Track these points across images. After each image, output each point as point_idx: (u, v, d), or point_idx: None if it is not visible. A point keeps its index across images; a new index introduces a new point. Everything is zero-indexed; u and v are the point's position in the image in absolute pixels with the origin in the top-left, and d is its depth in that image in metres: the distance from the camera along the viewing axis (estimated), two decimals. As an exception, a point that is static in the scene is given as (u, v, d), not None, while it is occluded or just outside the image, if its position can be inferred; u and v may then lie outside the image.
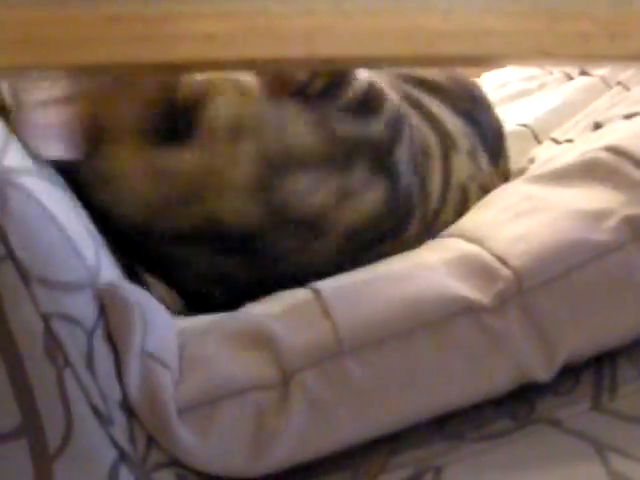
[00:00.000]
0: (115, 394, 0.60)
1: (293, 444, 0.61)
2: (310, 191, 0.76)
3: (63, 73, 0.49)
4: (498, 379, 0.64)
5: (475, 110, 0.97)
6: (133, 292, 0.66)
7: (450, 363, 0.64)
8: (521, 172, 1.01)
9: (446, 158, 0.87)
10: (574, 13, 0.47)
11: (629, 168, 0.72)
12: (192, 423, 0.61)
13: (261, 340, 0.66)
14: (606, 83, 1.19)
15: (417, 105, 0.90)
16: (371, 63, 0.54)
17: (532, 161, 1.05)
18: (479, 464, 0.63)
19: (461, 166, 0.88)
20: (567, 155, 0.86)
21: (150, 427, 0.61)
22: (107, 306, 0.63)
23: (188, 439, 0.60)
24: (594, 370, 0.66)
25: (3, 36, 0.44)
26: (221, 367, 0.65)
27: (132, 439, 0.61)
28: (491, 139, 0.96)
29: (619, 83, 1.16)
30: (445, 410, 0.65)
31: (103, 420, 0.59)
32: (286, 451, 0.61)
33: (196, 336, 0.69)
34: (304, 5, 0.42)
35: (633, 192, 0.69)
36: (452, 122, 0.91)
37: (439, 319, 0.64)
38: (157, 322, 0.66)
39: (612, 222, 0.67)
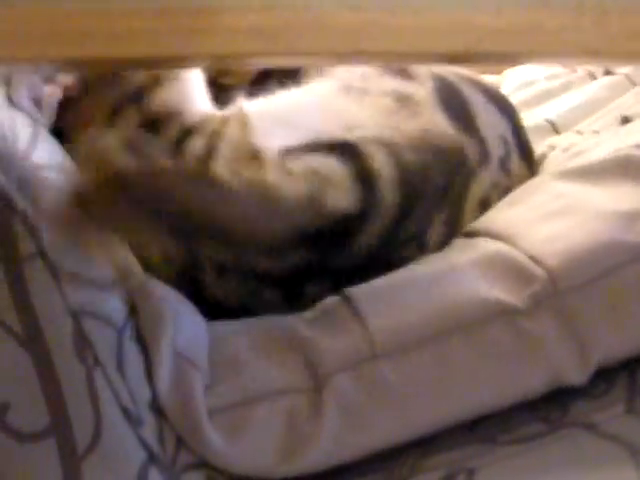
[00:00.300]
0: (145, 395, 0.60)
1: (326, 448, 0.60)
2: None
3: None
4: (532, 383, 0.63)
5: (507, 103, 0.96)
6: (164, 291, 0.65)
7: (484, 367, 0.62)
8: (542, 158, 1.00)
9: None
10: (622, 10, 0.46)
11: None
12: (223, 425, 0.60)
13: (294, 344, 0.66)
14: (631, 81, 1.18)
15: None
16: (417, 59, 0.53)
17: (553, 148, 1.03)
18: (512, 467, 0.61)
19: (483, 181, 0.86)
20: (597, 150, 0.85)
21: (180, 428, 0.60)
22: (139, 304, 0.63)
23: (218, 441, 0.60)
24: (628, 373, 0.65)
25: (33, 28, 0.43)
26: (253, 370, 0.64)
27: (161, 440, 0.60)
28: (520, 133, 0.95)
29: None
30: (479, 414, 0.63)
31: (132, 421, 0.58)
32: (318, 455, 0.60)
33: (228, 338, 0.68)
34: (351, 1, 0.41)
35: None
36: (492, 121, 0.89)
37: (473, 323, 0.63)
38: (188, 322, 0.65)
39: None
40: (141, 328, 0.62)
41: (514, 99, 1.16)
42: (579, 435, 0.62)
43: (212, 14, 0.38)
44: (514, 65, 1.32)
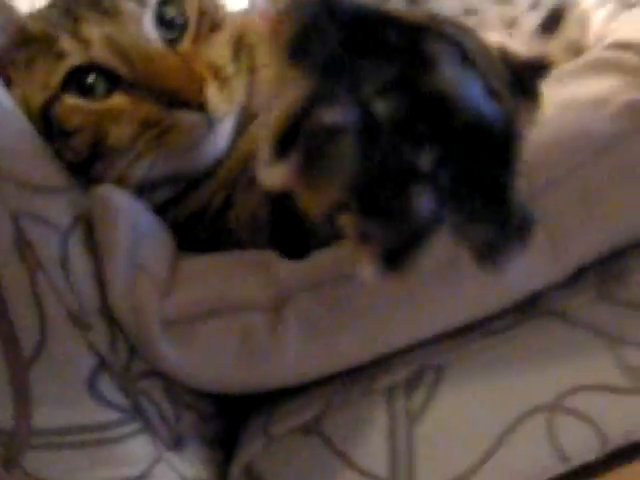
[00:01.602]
0: (94, 300, 0.58)
1: (284, 364, 0.58)
2: None
3: None
4: (507, 292, 0.59)
5: None
6: (128, 202, 0.64)
7: (460, 280, 0.58)
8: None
9: None
10: None
11: (632, 57, 0.68)
12: (177, 337, 0.58)
13: (259, 266, 0.64)
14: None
15: None
16: None
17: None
18: (482, 361, 0.59)
19: None
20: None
21: (132, 338, 0.59)
22: (95, 212, 0.61)
23: (171, 353, 0.58)
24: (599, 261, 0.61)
25: None
26: (212, 284, 0.62)
27: (114, 347, 0.58)
28: None
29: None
30: (446, 328, 0.60)
31: (80, 325, 0.56)
32: (276, 371, 0.59)
33: (192, 257, 0.67)
34: None
35: (634, 77, 0.65)
36: None
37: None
38: (153, 236, 0.64)
39: (613, 109, 0.63)
40: (97, 234, 0.60)
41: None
42: (551, 324, 0.59)
43: None
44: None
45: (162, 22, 0.70)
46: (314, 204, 0.37)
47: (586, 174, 0.61)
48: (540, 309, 0.59)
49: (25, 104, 0.67)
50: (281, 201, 0.64)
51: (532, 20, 0.86)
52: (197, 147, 0.70)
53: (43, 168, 0.60)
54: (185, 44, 0.70)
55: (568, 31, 0.76)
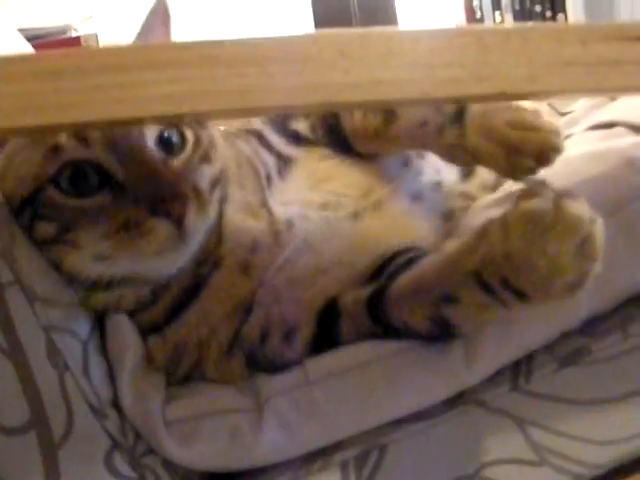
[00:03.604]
0: (107, 394, 0.73)
1: (263, 454, 0.73)
2: None
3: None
4: (437, 396, 0.74)
5: None
6: (127, 324, 0.79)
7: (398, 387, 0.74)
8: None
9: None
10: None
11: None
12: (178, 434, 0.73)
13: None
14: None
15: None
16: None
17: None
18: (418, 441, 0.74)
19: None
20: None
21: (140, 431, 0.74)
22: (108, 329, 0.77)
23: (172, 447, 0.72)
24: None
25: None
26: (208, 391, 0.79)
27: (123, 432, 0.73)
28: None
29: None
30: (393, 419, 0.75)
31: (98, 415, 0.71)
32: (256, 459, 0.74)
33: None
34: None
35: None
36: None
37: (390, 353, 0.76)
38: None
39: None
40: (108, 351, 0.76)
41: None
42: (473, 411, 0.74)
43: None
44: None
45: (162, 140, 0.78)
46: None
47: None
48: (464, 399, 0.75)
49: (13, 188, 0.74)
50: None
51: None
52: (166, 254, 0.75)
53: (65, 288, 0.75)
54: (178, 163, 0.79)
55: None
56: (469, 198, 0.99)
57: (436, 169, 1.00)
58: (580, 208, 0.64)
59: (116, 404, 0.73)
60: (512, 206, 0.66)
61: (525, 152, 0.78)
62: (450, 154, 0.87)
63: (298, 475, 0.74)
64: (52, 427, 0.69)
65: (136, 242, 0.72)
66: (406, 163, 1.00)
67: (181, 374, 0.82)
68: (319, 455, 0.75)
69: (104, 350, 0.76)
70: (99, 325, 0.78)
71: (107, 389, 0.73)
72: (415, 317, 0.73)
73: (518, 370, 0.75)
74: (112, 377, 0.74)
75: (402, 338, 0.75)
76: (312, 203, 0.89)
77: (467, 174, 1.02)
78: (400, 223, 0.91)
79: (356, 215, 0.90)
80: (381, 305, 0.76)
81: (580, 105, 1.14)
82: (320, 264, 0.84)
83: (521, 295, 0.66)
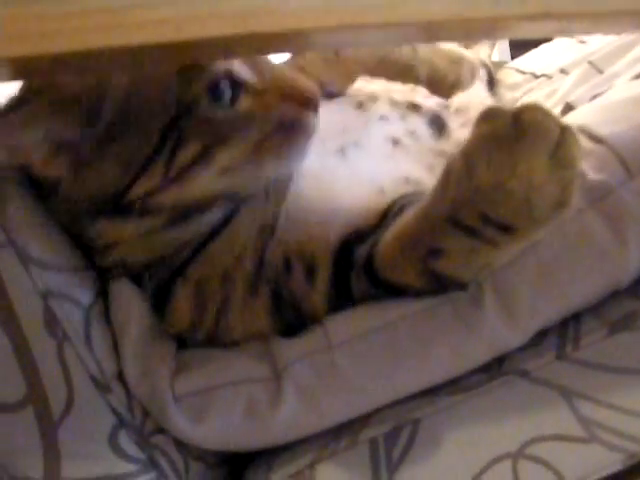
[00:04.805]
0: (112, 367, 0.66)
1: (282, 428, 0.67)
2: None
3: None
4: (475, 359, 0.67)
5: None
6: (133, 291, 0.72)
7: (429, 349, 0.67)
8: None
9: None
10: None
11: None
12: (189, 409, 0.67)
13: (258, 345, 0.73)
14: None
15: None
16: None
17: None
18: (454, 415, 0.67)
19: None
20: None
21: (148, 408, 0.67)
22: (111, 295, 0.70)
23: (184, 423, 0.66)
24: (559, 322, 0.70)
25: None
26: (218, 359, 0.71)
27: (130, 408, 0.66)
28: None
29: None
30: (425, 387, 0.68)
31: (101, 389, 0.65)
32: (275, 434, 0.67)
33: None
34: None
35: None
36: None
37: (418, 311, 0.68)
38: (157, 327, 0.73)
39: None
40: (111, 319, 0.69)
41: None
42: (515, 382, 0.67)
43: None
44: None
45: None
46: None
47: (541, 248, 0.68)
48: (506, 369, 0.67)
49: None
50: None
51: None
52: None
53: (66, 251, 0.69)
54: None
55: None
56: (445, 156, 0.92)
57: (402, 116, 0.95)
58: (541, 114, 0.57)
59: (122, 377, 0.67)
60: (470, 135, 0.60)
61: None
62: None
63: (322, 455, 0.68)
64: (50, 402, 0.63)
65: (289, 140, 0.73)
66: (360, 105, 0.95)
67: (205, 330, 0.74)
68: (345, 431, 0.68)
69: (109, 318, 0.69)
70: (104, 291, 0.71)
71: (112, 361, 0.67)
72: (408, 277, 0.66)
73: (564, 337, 0.68)
74: (117, 348, 0.68)
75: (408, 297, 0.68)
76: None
77: (441, 133, 0.95)
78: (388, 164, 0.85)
79: (343, 151, 0.84)
80: (374, 270, 0.69)
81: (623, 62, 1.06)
82: (325, 199, 0.77)
83: (506, 228, 0.59)
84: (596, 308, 0.69)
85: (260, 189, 0.75)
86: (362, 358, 0.67)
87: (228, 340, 0.73)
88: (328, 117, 0.79)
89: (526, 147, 0.57)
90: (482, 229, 0.60)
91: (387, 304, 0.69)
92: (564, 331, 0.69)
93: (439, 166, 0.83)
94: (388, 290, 0.69)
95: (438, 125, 0.94)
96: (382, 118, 0.93)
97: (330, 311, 0.71)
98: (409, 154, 0.88)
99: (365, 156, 0.85)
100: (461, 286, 0.67)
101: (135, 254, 0.72)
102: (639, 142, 0.69)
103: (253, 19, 0.48)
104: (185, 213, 0.72)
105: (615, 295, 0.69)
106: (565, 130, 0.57)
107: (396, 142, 0.89)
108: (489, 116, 0.59)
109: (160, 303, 0.73)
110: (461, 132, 0.92)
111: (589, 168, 0.69)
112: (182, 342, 0.74)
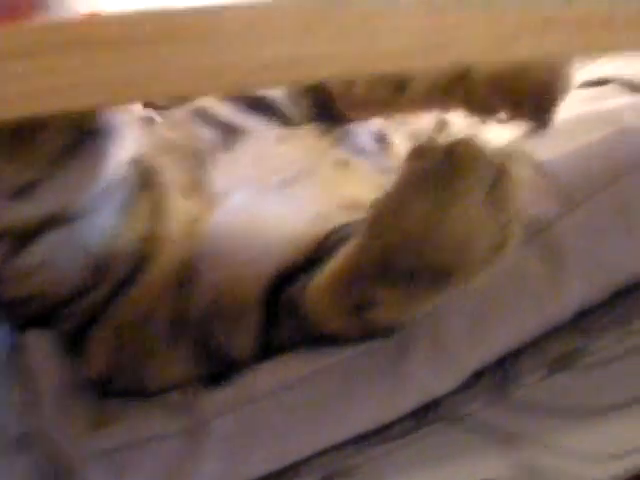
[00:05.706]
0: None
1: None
2: None
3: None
4: (404, 406, 0.64)
5: None
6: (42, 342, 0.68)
7: (356, 398, 0.64)
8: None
9: None
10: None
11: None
12: (106, 468, 0.63)
13: (177, 398, 0.69)
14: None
15: None
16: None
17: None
18: (388, 463, 0.64)
19: None
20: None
21: (63, 468, 0.64)
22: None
23: None
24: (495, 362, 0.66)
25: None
26: (137, 413, 0.67)
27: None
28: None
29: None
30: (353, 436, 0.65)
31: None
32: None
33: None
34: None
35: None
36: None
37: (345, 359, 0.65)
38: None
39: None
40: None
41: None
42: (448, 428, 0.64)
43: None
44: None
45: None
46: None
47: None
48: (440, 413, 0.64)
49: None
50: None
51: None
52: None
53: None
54: None
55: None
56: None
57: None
58: (476, 149, 0.53)
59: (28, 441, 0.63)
60: (399, 174, 0.56)
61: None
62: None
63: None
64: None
65: None
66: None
67: (123, 379, 0.70)
68: (274, 483, 0.65)
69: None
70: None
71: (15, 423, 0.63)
72: (337, 325, 0.63)
73: (500, 378, 0.65)
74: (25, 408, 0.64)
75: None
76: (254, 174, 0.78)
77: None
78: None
79: (284, 183, 0.78)
80: (302, 317, 0.65)
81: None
82: (256, 235, 0.72)
83: (442, 274, 0.55)
84: (536, 344, 0.66)
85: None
86: (288, 408, 0.64)
87: (148, 390, 0.69)
88: (272, 150, 0.75)
89: (461, 186, 0.53)
90: (417, 275, 0.56)
91: (315, 351, 0.66)
92: (501, 372, 0.65)
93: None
94: (317, 336, 0.65)
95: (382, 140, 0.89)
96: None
97: (260, 357, 0.68)
98: (357, 175, 0.83)
99: (309, 185, 0.80)
100: (390, 331, 0.63)
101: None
102: (580, 169, 0.66)
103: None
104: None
105: (558, 329, 0.66)
106: (501, 167, 0.54)
107: (345, 164, 0.84)
108: (420, 153, 0.55)
109: (76, 346, 0.69)
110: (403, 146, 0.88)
111: (527, 200, 0.65)
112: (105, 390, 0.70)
